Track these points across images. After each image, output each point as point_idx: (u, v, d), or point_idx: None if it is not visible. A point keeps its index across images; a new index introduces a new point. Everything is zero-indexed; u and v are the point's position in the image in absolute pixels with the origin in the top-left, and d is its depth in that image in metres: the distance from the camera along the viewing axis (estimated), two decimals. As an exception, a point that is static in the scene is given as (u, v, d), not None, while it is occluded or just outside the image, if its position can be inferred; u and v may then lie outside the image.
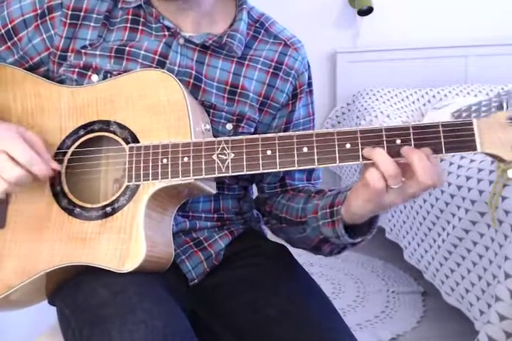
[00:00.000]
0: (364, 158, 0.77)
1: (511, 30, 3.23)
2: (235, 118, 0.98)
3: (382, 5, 3.11)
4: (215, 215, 1.03)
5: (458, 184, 1.81)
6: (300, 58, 1.03)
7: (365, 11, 3.05)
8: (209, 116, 0.96)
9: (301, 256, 2.96)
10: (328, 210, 0.89)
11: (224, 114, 0.98)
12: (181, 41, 0.96)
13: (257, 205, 1.10)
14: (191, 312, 0.94)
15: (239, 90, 0.99)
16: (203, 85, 0.97)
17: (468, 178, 1.78)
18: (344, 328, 0.91)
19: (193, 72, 0.97)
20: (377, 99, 2.96)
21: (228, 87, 0.98)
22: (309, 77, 1.05)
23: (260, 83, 1.00)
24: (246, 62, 0.99)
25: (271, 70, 1.00)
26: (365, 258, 2.64)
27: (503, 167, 1.58)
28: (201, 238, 1.01)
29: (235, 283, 0.98)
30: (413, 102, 3.03)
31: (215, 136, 0.91)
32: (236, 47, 0.97)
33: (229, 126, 0.98)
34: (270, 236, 1.12)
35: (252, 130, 1.00)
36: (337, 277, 2.46)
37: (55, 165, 0.88)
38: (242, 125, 0.99)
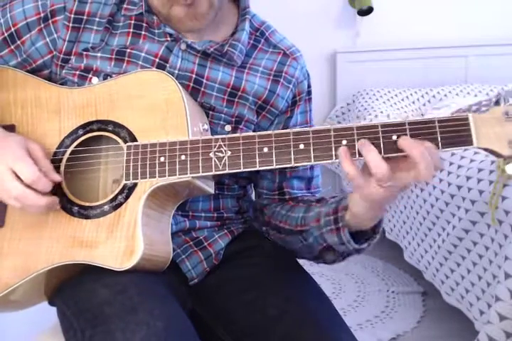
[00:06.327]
0: (360, 155, 0.76)
1: (511, 30, 3.23)
2: (233, 120, 0.99)
3: (382, 5, 3.11)
4: (215, 214, 1.03)
5: (458, 184, 1.81)
6: (299, 67, 1.04)
7: (365, 11, 3.05)
8: (208, 117, 0.97)
9: (301, 256, 2.90)
10: (332, 217, 0.87)
11: (223, 115, 0.98)
12: (183, 47, 0.97)
13: (254, 212, 1.09)
14: (192, 311, 0.94)
15: (239, 93, 0.99)
16: (202, 88, 0.98)
17: (468, 178, 1.78)
18: (344, 328, 0.91)
19: (193, 76, 0.97)
20: (377, 99, 2.96)
21: (229, 89, 0.99)
22: (309, 86, 1.06)
23: (262, 88, 1.01)
24: (246, 71, 1.00)
25: (271, 77, 1.01)
26: (365, 258, 2.64)
27: (503, 166, 1.58)
28: (201, 237, 1.01)
29: (235, 283, 0.98)
30: (413, 102, 3.03)
31: None
32: (236, 57, 0.98)
33: (227, 128, 0.98)
34: (270, 236, 1.12)
35: (251, 132, 1.00)
36: (337, 277, 2.46)
37: (57, 178, 0.88)
38: (241, 127, 0.99)
